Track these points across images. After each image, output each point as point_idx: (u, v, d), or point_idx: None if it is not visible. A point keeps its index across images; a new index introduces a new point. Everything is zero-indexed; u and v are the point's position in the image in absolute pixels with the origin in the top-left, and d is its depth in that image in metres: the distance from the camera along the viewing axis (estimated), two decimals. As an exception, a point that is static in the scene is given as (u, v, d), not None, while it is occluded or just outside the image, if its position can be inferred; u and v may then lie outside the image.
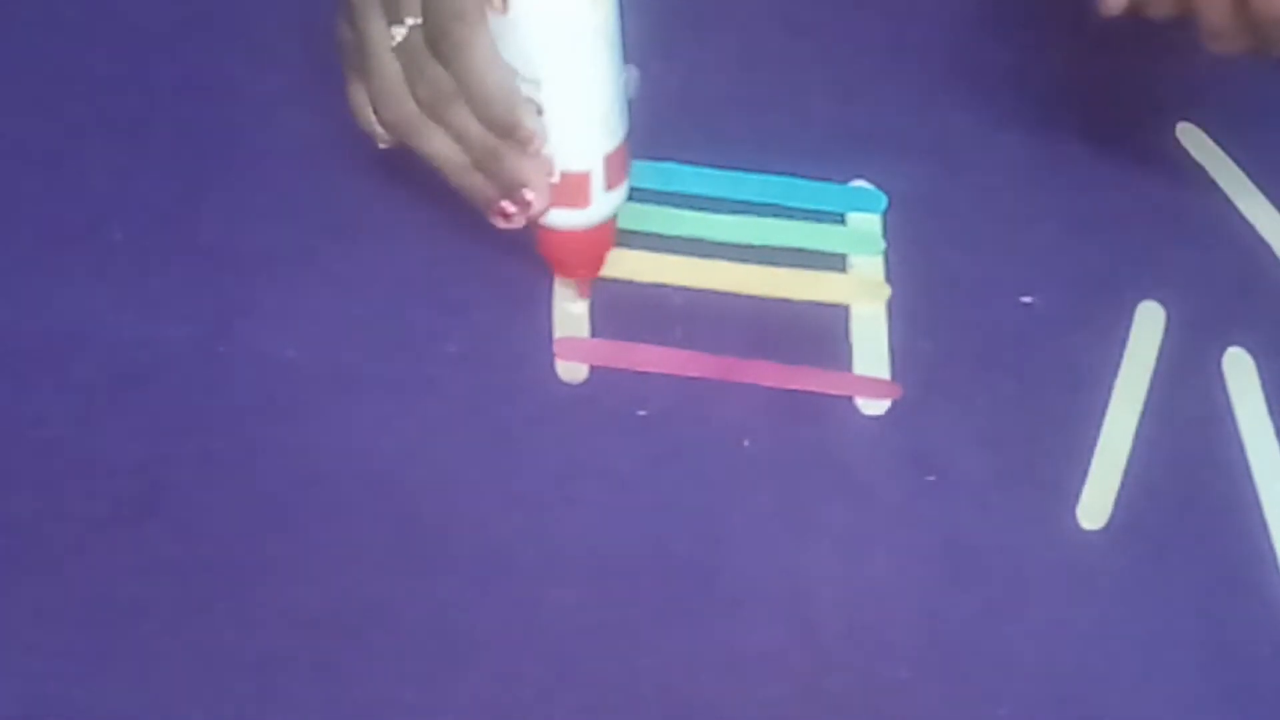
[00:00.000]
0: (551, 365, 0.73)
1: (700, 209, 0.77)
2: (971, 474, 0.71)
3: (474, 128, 0.66)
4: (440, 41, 0.65)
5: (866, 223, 0.78)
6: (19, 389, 0.71)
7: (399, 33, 0.66)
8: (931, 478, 0.71)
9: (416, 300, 0.74)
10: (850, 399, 0.73)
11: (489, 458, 0.70)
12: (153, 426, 0.70)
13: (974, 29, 0.85)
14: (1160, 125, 0.82)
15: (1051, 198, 0.79)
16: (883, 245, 0.77)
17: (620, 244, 0.75)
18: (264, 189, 0.77)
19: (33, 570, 0.66)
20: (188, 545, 0.67)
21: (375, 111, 0.68)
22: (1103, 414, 0.72)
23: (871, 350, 0.74)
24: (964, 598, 0.68)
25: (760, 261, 0.76)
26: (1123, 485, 0.71)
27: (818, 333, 0.74)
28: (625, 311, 0.74)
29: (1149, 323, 0.75)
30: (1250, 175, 0.80)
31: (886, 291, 0.75)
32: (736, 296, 0.75)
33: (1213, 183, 0.80)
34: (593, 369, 0.73)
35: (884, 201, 0.78)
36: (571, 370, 0.73)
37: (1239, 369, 0.74)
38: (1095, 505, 0.70)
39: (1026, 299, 0.76)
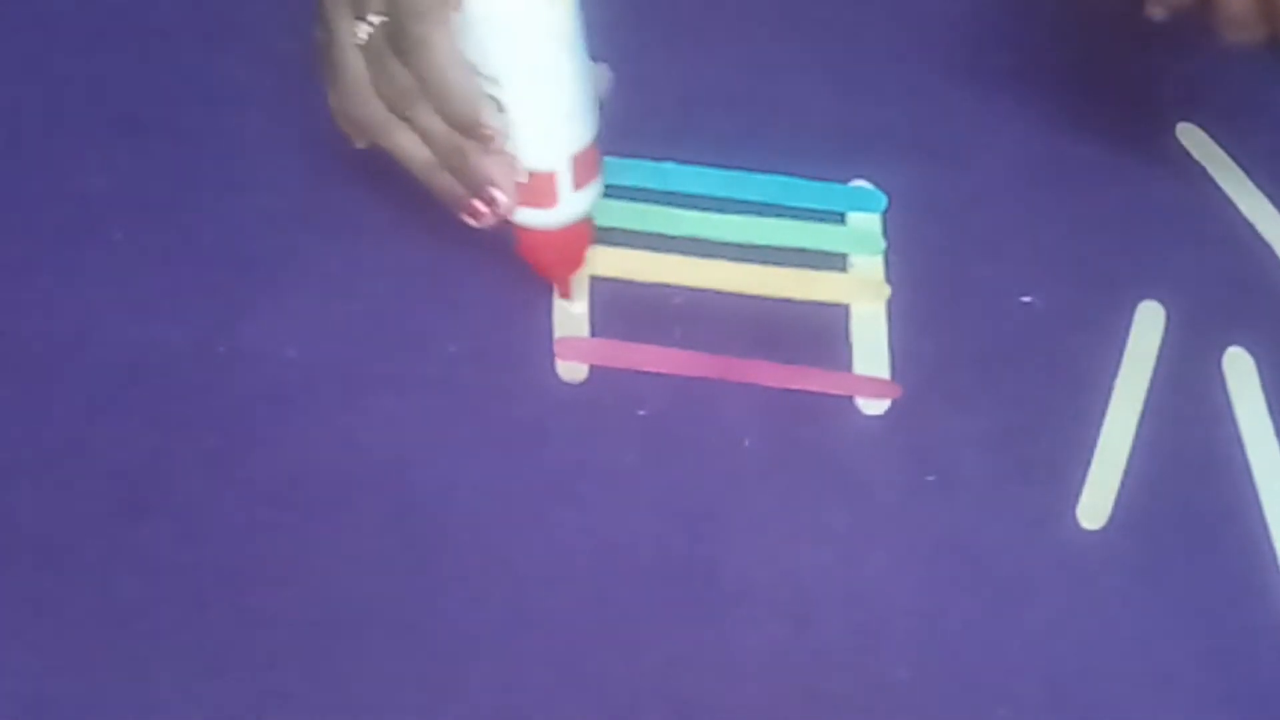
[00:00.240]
0: (551, 365, 0.73)
1: (700, 209, 0.77)
2: (971, 474, 0.71)
3: (438, 126, 0.66)
4: (401, 39, 0.65)
5: (866, 223, 0.78)
6: (19, 389, 0.71)
7: (362, 30, 0.66)
8: (931, 478, 0.71)
9: (416, 300, 0.74)
10: (850, 399, 0.73)
11: (489, 457, 0.70)
12: (153, 426, 0.70)
13: (974, 29, 0.85)
14: (1160, 125, 0.82)
15: (1051, 198, 0.79)
16: (883, 245, 0.77)
17: (620, 244, 0.75)
18: (264, 189, 0.77)
19: (33, 570, 0.66)
20: (188, 545, 0.67)
21: (344, 110, 0.68)
22: (1103, 414, 0.72)
23: (871, 350, 0.74)
24: (964, 598, 0.68)
25: (760, 261, 0.76)
26: (1123, 485, 0.71)
27: (818, 333, 0.74)
28: (625, 311, 0.74)
29: (1149, 323, 0.75)
30: (1250, 175, 0.80)
31: (886, 291, 0.75)
32: (736, 296, 0.75)
33: (1213, 183, 0.80)
34: (593, 369, 0.73)
35: (884, 201, 0.78)
36: (571, 370, 0.73)
37: (1239, 369, 0.74)
38: (1095, 505, 0.70)
39: (1026, 299, 0.76)
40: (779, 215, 0.78)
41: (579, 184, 0.69)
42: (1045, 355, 0.74)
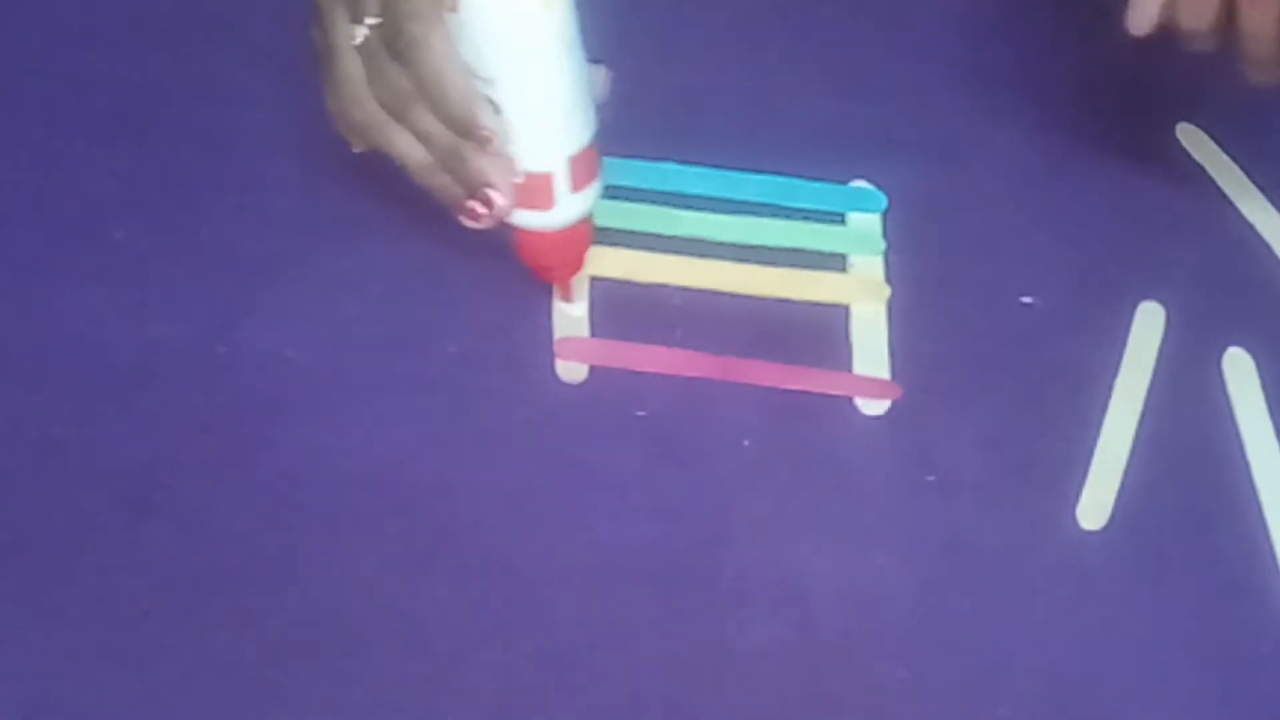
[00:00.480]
0: (551, 365, 0.73)
1: (700, 209, 0.77)
2: (971, 474, 0.71)
3: (435, 127, 0.66)
4: (397, 40, 0.65)
5: (866, 223, 0.78)
6: (19, 389, 0.71)
7: (360, 33, 0.66)
8: (931, 478, 0.71)
9: (416, 300, 0.74)
10: (850, 399, 0.73)
11: (489, 458, 0.70)
12: (153, 426, 0.70)
13: (974, 29, 0.85)
14: (1160, 125, 0.82)
15: (1051, 198, 0.79)
16: (883, 245, 0.77)
17: (620, 244, 0.75)
18: (263, 189, 0.77)
19: (33, 570, 0.66)
20: (188, 545, 0.67)
21: (341, 113, 0.68)
22: (1103, 414, 0.72)
23: (871, 350, 0.74)
24: (964, 598, 0.68)
25: (760, 261, 0.76)
26: (1123, 485, 0.71)
27: (818, 333, 0.74)
28: (625, 311, 0.74)
29: (1149, 323, 0.75)
30: (1250, 175, 0.80)
31: (886, 291, 0.75)
32: (736, 296, 0.75)
33: (1213, 183, 0.80)
34: (593, 369, 0.73)
35: (884, 201, 0.78)
36: (571, 370, 0.73)
37: (1239, 369, 0.74)
38: (1095, 505, 0.70)
39: (1026, 299, 0.76)
40: (779, 215, 0.78)
41: (576, 186, 0.69)
42: (1045, 355, 0.74)
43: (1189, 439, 0.72)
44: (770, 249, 0.76)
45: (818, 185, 0.79)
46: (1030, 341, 0.75)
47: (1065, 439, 0.72)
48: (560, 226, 0.70)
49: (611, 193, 0.76)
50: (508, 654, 0.66)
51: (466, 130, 0.66)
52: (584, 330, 0.74)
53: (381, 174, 0.76)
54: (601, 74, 0.69)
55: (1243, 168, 0.80)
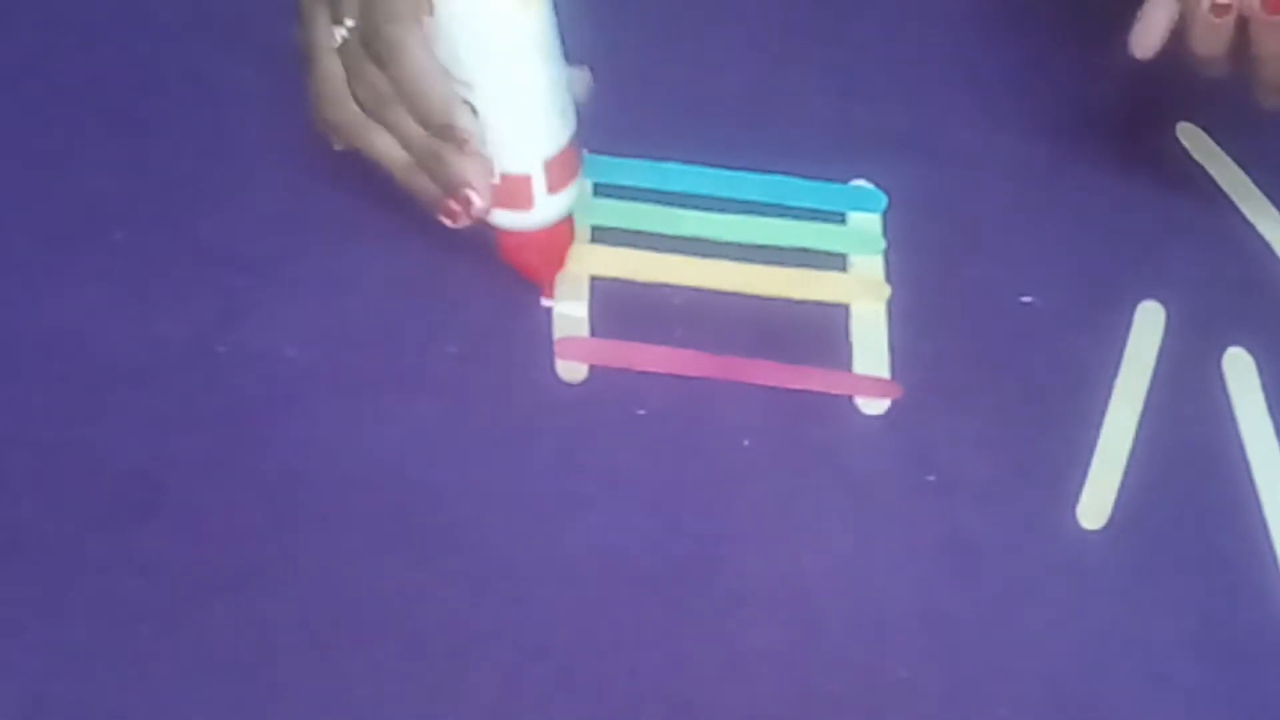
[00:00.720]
0: (551, 365, 0.73)
1: (700, 209, 0.77)
2: (971, 474, 0.71)
3: (413, 128, 0.67)
4: (375, 43, 0.65)
5: (866, 223, 0.78)
6: (19, 389, 0.71)
7: (339, 34, 0.66)
8: (931, 478, 0.71)
9: (416, 300, 0.74)
10: (850, 399, 0.73)
11: (489, 458, 0.70)
12: (153, 426, 0.70)
13: (974, 29, 0.85)
14: (1160, 125, 0.82)
15: (1051, 198, 0.79)
16: (883, 245, 0.77)
17: (620, 244, 0.75)
18: (264, 189, 0.77)
19: (33, 570, 0.66)
20: (188, 545, 0.67)
21: (322, 113, 0.68)
22: (1103, 414, 0.72)
23: (871, 350, 0.74)
24: (964, 598, 0.68)
25: (760, 261, 0.76)
26: (1123, 485, 0.71)
27: (818, 333, 0.74)
28: (625, 311, 0.74)
29: (1149, 323, 0.75)
30: (1250, 175, 0.80)
31: (886, 291, 0.75)
32: (736, 296, 0.75)
33: (1213, 183, 0.80)
34: (593, 369, 0.73)
35: (884, 201, 0.78)
36: (571, 370, 0.73)
37: (1239, 369, 0.74)
38: (1095, 505, 0.70)
39: (1026, 299, 0.76)
40: (779, 215, 0.78)
41: (554, 187, 0.69)
42: (1045, 355, 0.74)
43: (1189, 439, 0.72)
44: (770, 249, 0.76)
45: (818, 185, 0.79)
46: (1030, 341, 0.75)
47: (1065, 439, 0.72)
48: (539, 226, 0.70)
49: (612, 193, 0.76)
50: (508, 654, 0.66)
51: (444, 132, 0.66)
52: (584, 330, 0.74)
53: (382, 173, 0.76)
54: (582, 76, 0.70)
55: (1243, 168, 0.80)
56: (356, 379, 0.72)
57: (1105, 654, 0.67)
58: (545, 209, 0.69)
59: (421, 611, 0.66)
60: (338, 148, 0.70)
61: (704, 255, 0.76)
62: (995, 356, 0.74)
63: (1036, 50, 0.84)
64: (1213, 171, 0.80)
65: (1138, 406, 0.73)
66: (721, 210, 0.77)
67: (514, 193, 0.68)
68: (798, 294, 0.75)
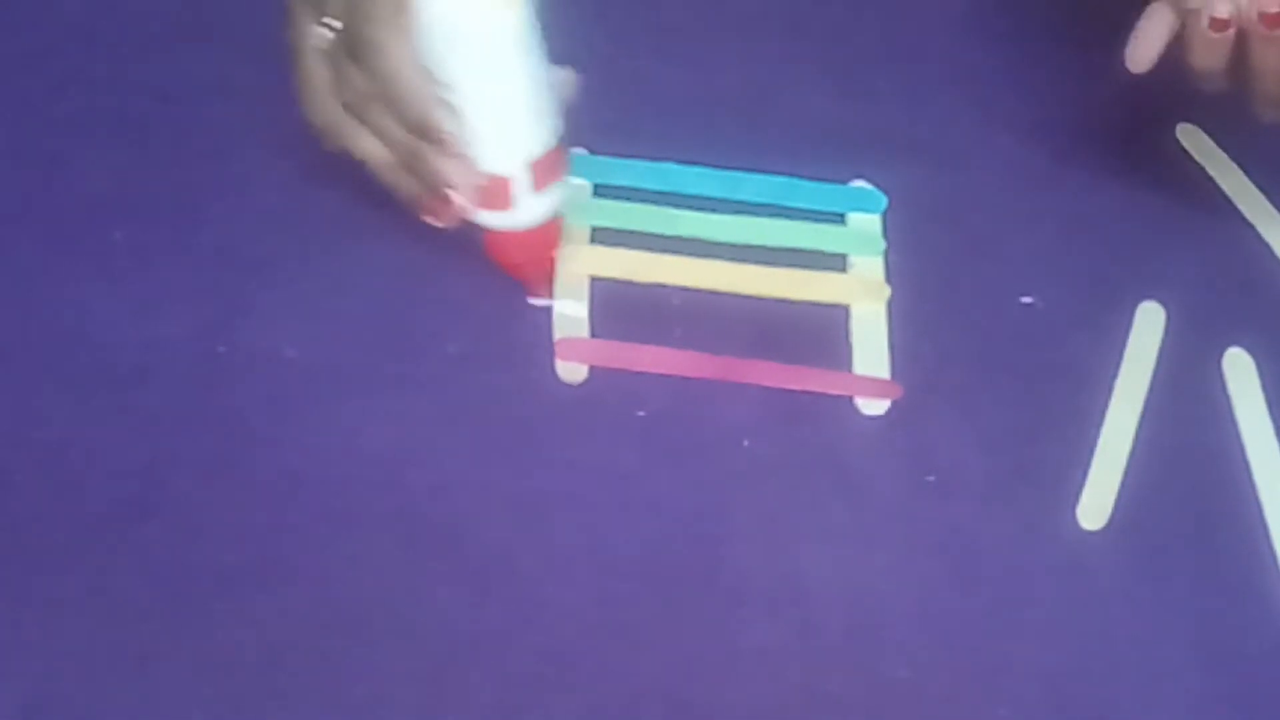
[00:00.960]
0: (551, 365, 0.73)
1: (700, 209, 0.77)
2: (971, 474, 0.71)
3: (395, 128, 0.67)
4: (356, 44, 0.66)
5: (866, 223, 0.78)
6: (19, 389, 0.71)
7: (323, 35, 0.66)
8: (931, 478, 0.71)
9: (416, 300, 0.74)
10: (850, 399, 0.73)
11: (489, 458, 0.70)
12: (153, 426, 0.70)
13: (974, 29, 0.85)
14: (1160, 125, 0.82)
15: (1051, 198, 0.79)
16: (883, 245, 0.77)
17: (620, 244, 0.75)
18: (263, 189, 0.77)
19: (32, 570, 0.66)
20: (188, 545, 0.67)
21: (308, 113, 0.69)
22: (1103, 414, 0.72)
23: (871, 350, 0.74)
24: (964, 598, 0.68)
25: (760, 261, 0.76)
26: (1123, 485, 0.71)
27: (818, 333, 0.74)
28: (625, 312, 0.74)
29: (1149, 323, 0.75)
30: (1250, 175, 0.80)
31: (886, 291, 0.75)
32: (736, 296, 0.75)
33: (1213, 183, 0.80)
34: (593, 369, 0.73)
35: (884, 201, 0.78)
36: (571, 370, 0.73)
37: (1239, 369, 0.74)
38: (1095, 505, 0.70)
39: (1026, 299, 0.76)
40: (779, 215, 0.78)
41: (539, 186, 0.69)
42: (1045, 355, 0.74)
43: (1189, 439, 0.72)
44: (770, 249, 0.76)
45: (818, 185, 0.79)
46: (1030, 341, 0.75)
47: (1065, 439, 0.72)
48: (524, 226, 0.70)
49: (612, 193, 0.76)
50: (508, 654, 0.66)
51: (425, 133, 0.66)
52: (584, 330, 0.74)
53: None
54: (567, 77, 0.70)
55: (1243, 168, 0.80)
56: (356, 379, 0.72)
57: (1105, 654, 0.67)
58: (529, 209, 0.69)
59: (421, 611, 0.66)
60: (326, 147, 0.70)
61: (704, 256, 0.76)
62: (995, 356, 0.74)
63: (1036, 51, 0.84)
64: (1213, 172, 0.80)
65: (1138, 406, 0.73)
66: (721, 211, 0.77)
67: (496, 193, 0.68)
68: (797, 294, 0.75)
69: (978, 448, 0.72)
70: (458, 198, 0.68)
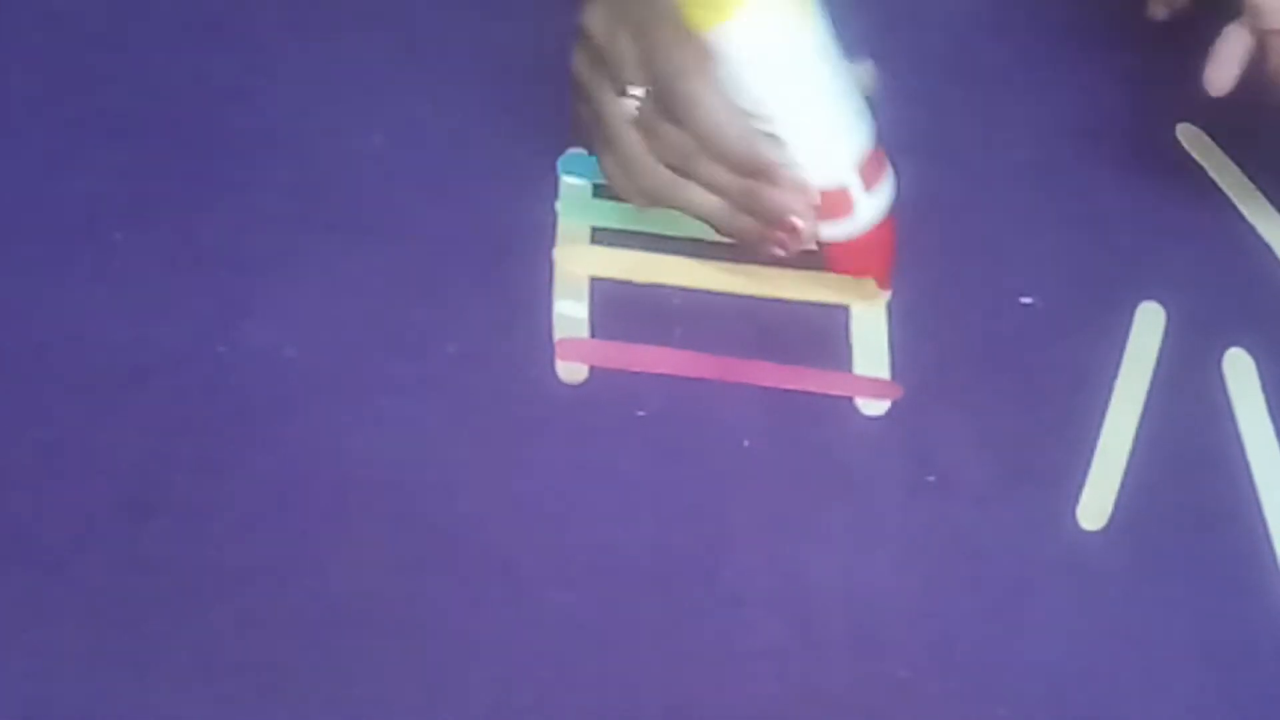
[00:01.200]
0: (551, 365, 0.73)
1: (700, 209, 0.77)
2: (971, 474, 0.71)
3: (725, 176, 0.67)
4: (670, 102, 0.65)
5: (866, 223, 0.78)
6: (19, 389, 0.71)
7: (629, 104, 0.66)
8: (931, 478, 0.71)
9: (416, 300, 0.74)
10: (850, 399, 0.73)
11: (489, 458, 0.70)
12: (153, 426, 0.70)
13: (974, 29, 0.85)
14: (1160, 125, 0.82)
15: (1051, 198, 0.79)
16: (883, 245, 0.77)
17: (620, 244, 0.75)
18: (263, 189, 0.77)
19: (33, 570, 0.66)
20: (188, 545, 0.67)
21: (628, 181, 0.69)
22: (1103, 414, 0.72)
23: (871, 350, 0.74)
24: (964, 598, 0.68)
25: (760, 261, 0.76)
26: (1123, 485, 0.71)
27: (818, 333, 0.74)
28: (625, 312, 0.74)
29: (1149, 323, 0.75)
30: (1250, 175, 0.80)
31: (886, 292, 0.75)
32: (736, 297, 0.75)
33: (1213, 183, 0.80)
34: (593, 369, 0.73)
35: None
36: (571, 370, 0.73)
37: (1239, 369, 0.74)
38: (1095, 505, 0.70)
39: (1026, 299, 0.76)
40: (779, 215, 0.78)
41: (870, 184, 0.69)
42: (1045, 355, 0.74)
43: (1189, 439, 0.72)
44: (770, 249, 0.76)
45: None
46: (1030, 341, 0.75)
47: (1065, 439, 0.72)
48: (865, 229, 0.70)
49: (612, 193, 0.76)
50: (508, 654, 0.66)
51: (756, 172, 0.66)
52: (584, 330, 0.74)
53: (381, 174, 0.76)
54: (866, 69, 0.70)
55: (1243, 168, 0.80)
56: (357, 379, 0.72)
57: (1105, 654, 0.67)
58: (867, 210, 0.70)
59: (421, 612, 0.66)
60: (641, 208, 0.70)
61: (704, 256, 0.76)
62: (995, 356, 0.74)
63: (1036, 50, 0.84)
64: (1213, 171, 0.80)
65: (1138, 407, 0.73)
66: (721, 210, 0.77)
67: (835, 204, 0.69)
68: (797, 294, 0.75)
69: (978, 448, 0.72)
70: (801, 222, 0.67)
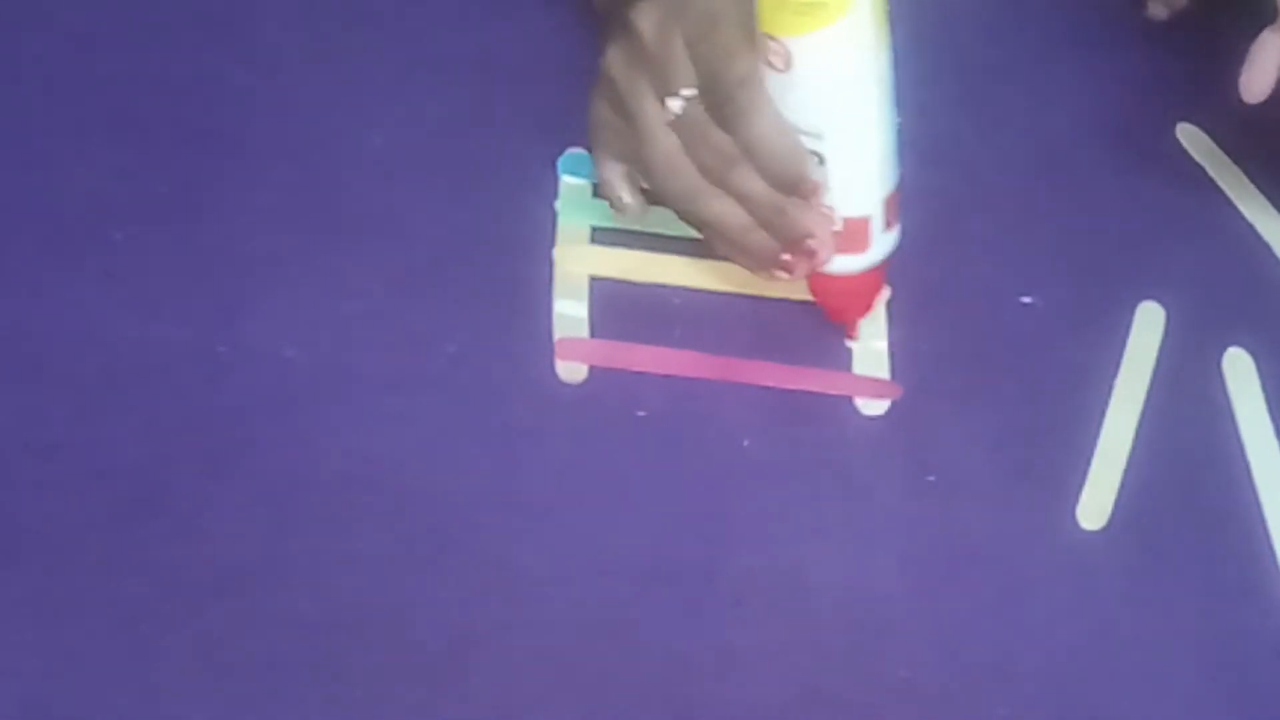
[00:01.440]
0: (551, 365, 0.73)
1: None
2: (971, 474, 0.71)
3: (758, 188, 0.67)
4: (725, 108, 0.65)
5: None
6: (19, 389, 0.71)
7: (675, 105, 0.66)
8: (931, 478, 0.71)
9: (416, 300, 0.74)
10: (850, 399, 0.73)
11: (489, 458, 0.70)
12: (153, 426, 0.70)
13: (974, 29, 0.85)
14: (1160, 125, 0.82)
15: (1051, 198, 0.79)
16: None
17: (620, 244, 0.75)
18: (264, 189, 0.77)
19: (33, 570, 0.66)
20: (188, 545, 0.67)
21: (658, 184, 0.68)
22: (1103, 414, 0.72)
23: (871, 350, 0.74)
24: (964, 598, 0.68)
25: (760, 261, 0.76)
26: (1123, 485, 0.71)
27: (818, 333, 0.74)
28: (625, 312, 0.74)
29: (1149, 323, 0.75)
30: (1250, 175, 0.80)
31: (886, 292, 0.75)
32: (736, 296, 0.75)
33: (1213, 183, 0.80)
34: (592, 369, 0.73)
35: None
36: (571, 370, 0.73)
37: (1239, 369, 0.74)
38: (1095, 505, 0.70)
39: (1026, 299, 0.76)
40: (779, 215, 0.78)
41: (889, 224, 0.69)
42: (1045, 355, 0.74)
43: (1189, 439, 0.72)
44: (770, 249, 0.76)
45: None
46: (1030, 341, 0.75)
47: (1065, 439, 0.72)
48: (871, 266, 0.70)
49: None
50: (507, 654, 0.66)
51: (793, 187, 0.66)
52: (584, 330, 0.74)
53: (381, 174, 0.76)
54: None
55: (1243, 168, 0.80)
56: (356, 379, 0.72)
57: (1105, 653, 0.67)
58: (879, 248, 0.69)
59: (421, 611, 0.66)
60: (625, 215, 0.71)
61: (704, 256, 0.76)
62: (995, 356, 0.74)
63: (1036, 50, 0.84)
64: (1213, 171, 0.80)
65: (1138, 406, 0.73)
66: (721, 210, 0.77)
67: (853, 236, 0.68)
68: (798, 294, 0.75)
69: (978, 448, 0.72)
70: (818, 247, 0.67)
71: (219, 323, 0.73)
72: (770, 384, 0.73)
